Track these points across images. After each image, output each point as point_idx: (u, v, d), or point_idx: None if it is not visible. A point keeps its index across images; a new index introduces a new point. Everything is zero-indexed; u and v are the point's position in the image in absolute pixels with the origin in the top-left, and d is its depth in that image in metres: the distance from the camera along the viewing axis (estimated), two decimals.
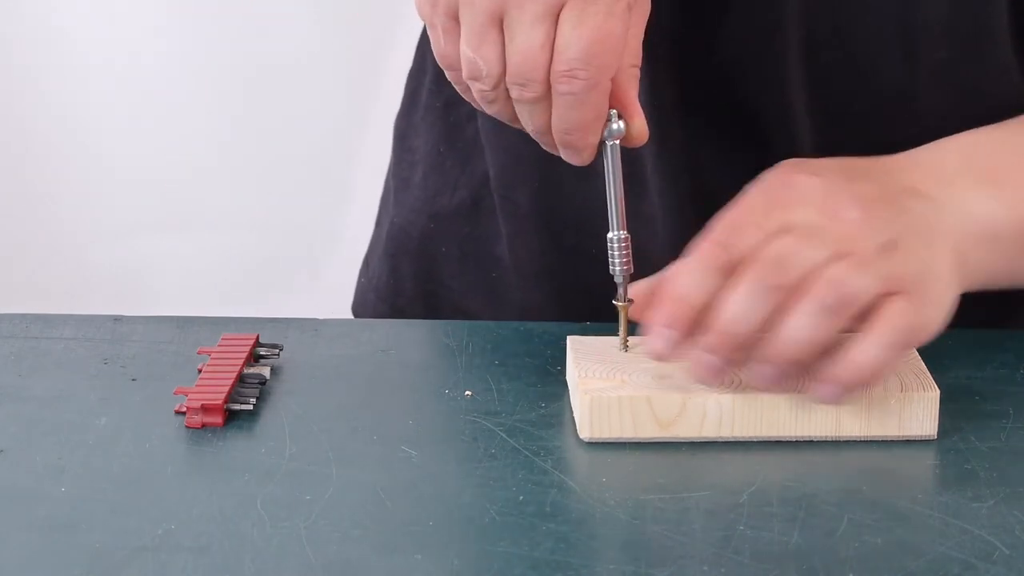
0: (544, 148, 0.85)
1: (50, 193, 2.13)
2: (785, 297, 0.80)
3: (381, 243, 1.14)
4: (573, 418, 0.84)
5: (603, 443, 0.82)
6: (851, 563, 0.71)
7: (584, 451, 0.82)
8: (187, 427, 0.83)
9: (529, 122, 0.83)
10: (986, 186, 0.89)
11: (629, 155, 0.88)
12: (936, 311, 0.82)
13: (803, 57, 0.96)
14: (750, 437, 0.82)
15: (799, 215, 0.82)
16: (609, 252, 0.87)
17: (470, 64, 0.81)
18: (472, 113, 1.05)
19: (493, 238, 1.07)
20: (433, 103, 1.10)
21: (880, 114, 0.97)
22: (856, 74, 0.97)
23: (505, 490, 0.77)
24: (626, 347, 0.88)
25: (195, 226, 2.15)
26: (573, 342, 0.88)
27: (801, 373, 0.81)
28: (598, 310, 0.90)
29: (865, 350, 0.80)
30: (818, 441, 0.82)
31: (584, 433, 0.82)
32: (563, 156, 0.84)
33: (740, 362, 0.81)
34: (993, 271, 0.89)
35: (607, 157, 0.85)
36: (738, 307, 0.79)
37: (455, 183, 1.08)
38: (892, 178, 0.86)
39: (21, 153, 2.11)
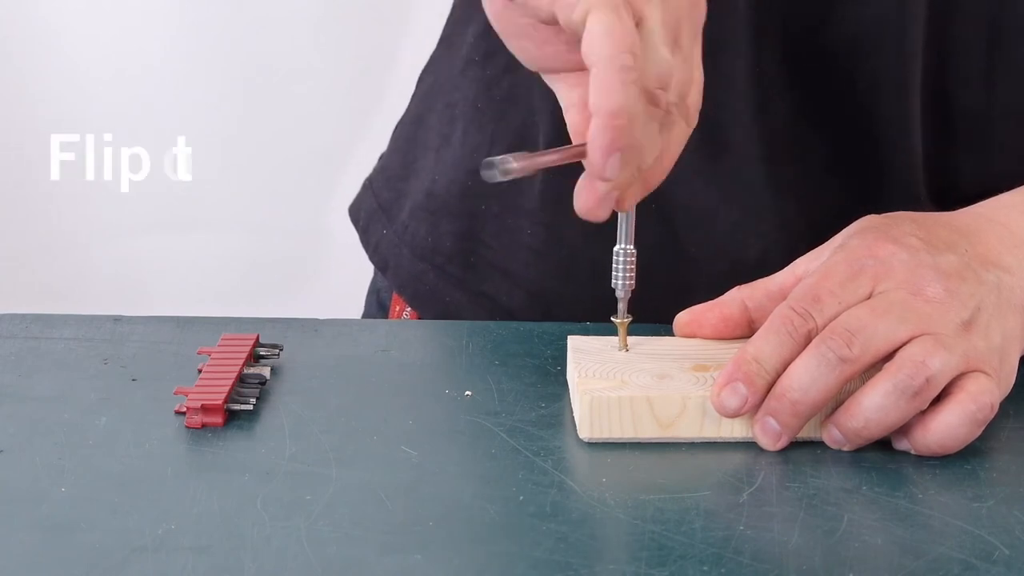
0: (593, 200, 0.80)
1: (50, 193, 2.13)
2: (853, 370, 0.80)
3: (411, 198, 1.12)
4: (573, 418, 0.84)
5: (603, 443, 0.82)
6: (851, 563, 0.71)
7: (584, 451, 0.82)
8: (187, 427, 0.83)
9: (651, 150, 0.79)
10: None
11: (720, 120, 0.88)
12: (1008, 383, 0.84)
13: (927, 26, 0.95)
14: (750, 437, 0.82)
15: (880, 288, 0.83)
16: (613, 266, 0.86)
17: (676, 72, 0.77)
18: (508, 65, 1.03)
19: (531, 193, 1.06)
20: (473, 56, 1.08)
21: (961, 102, 0.98)
22: (943, 59, 0.97)
23: (505, 490, 0.77)
24: (626, 349, 0.87)
25: (195, 226, 2.15)
26: (573, 342, 0.88)
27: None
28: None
29: (949, 421, 0.80)
30: (818, 441, 0.82)
31: (584, 433, 0.82)
32: (619, 205, 0.80)
33: (799, 428, 0.82)
34: None
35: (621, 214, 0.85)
36: (803, 375, 0.80)
37: (492, 137, 1.06)
38: (969, 245, 0.87)
39: (21, 153, 2.11)
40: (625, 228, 0.85)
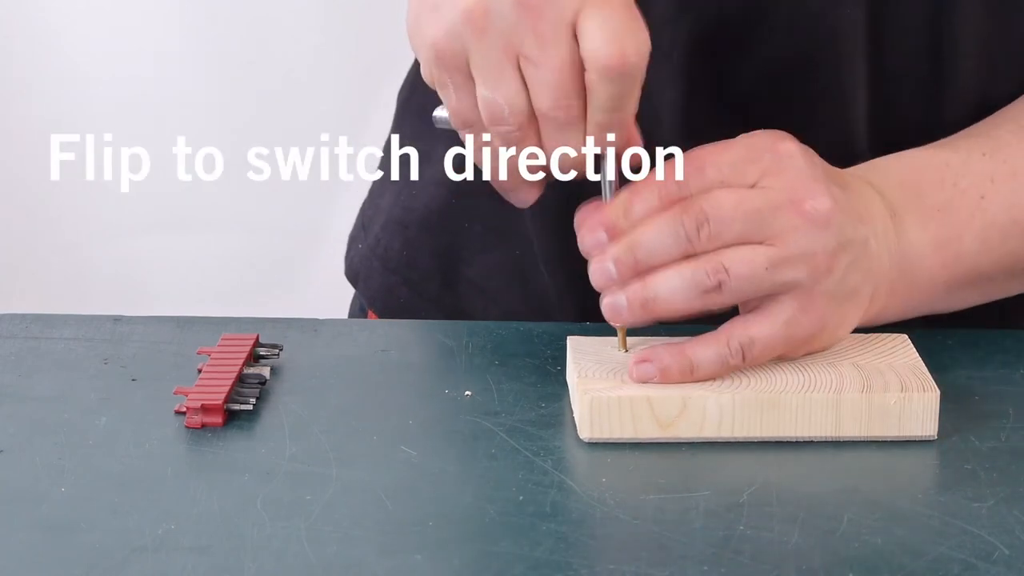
0: (558, 181, 0.84)
1: (50, 193, 2.13)
2: (694, 251, 0.81)
3: (385, 212, 1.11)
4: (573, 418, 0.84)
5: (603, 443, 0.82)
6: (851, 563, 0.71)
7: (584, 451, 0.82)
8: (187, 427, 0.83)
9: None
10: (927, 224, 0.88)
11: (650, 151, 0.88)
12: (825, 337, 0.84)
13: (867, 53, 0.94)
14: (750, 437, 0.82)
15: (765, 183, 0.82)
16: None
17: (490, 107, 0.79)
18: None
19: (520, 215, 1.05)
20: None
21: (906, 115, 0.97)
22: (884, 75, 0.96)
23: (505, 490, 0.77)
24: (626, 349, 0.87)
25: (195, 226, 2.15)
26: (573, 342, 0.88)
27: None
28: None
29: (696, 348, 0.82)
30: (818, 441, 0.82)
31: (584, 433, 0.82)
32: (592, 171, 0.83)
33: (628, 279, 0.82)
34: (893, 313, 0.89)
35: (605, 176, 0.84)
36: (650, 234, 0.81)
37: None
38: (862, 191, 0.86)
39: (21, 153, 2.11)
40: None
